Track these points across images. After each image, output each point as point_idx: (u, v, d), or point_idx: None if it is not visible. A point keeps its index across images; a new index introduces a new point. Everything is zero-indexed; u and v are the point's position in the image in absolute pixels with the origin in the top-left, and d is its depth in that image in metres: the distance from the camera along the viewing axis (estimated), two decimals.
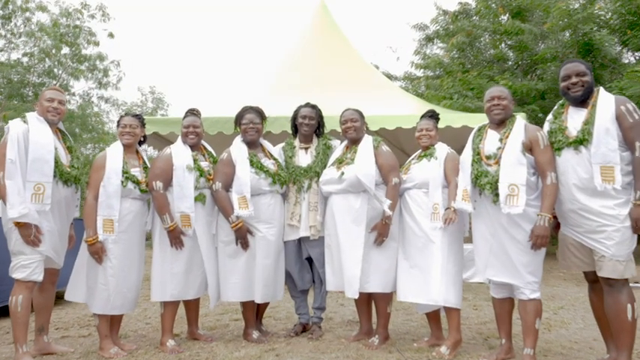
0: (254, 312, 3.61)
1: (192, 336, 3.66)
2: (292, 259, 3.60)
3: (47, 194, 2.98)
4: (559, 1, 10.39)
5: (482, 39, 12.52)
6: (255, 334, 3.54)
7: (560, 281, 7.13)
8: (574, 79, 2.81)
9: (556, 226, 2.94)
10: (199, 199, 3.40)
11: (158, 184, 3.30)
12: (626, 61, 11.69)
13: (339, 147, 3.66)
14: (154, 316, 4.56)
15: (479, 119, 6.09)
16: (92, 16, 13.88)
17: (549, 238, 2.79)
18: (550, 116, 2.99)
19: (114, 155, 3.30)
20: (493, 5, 12.28)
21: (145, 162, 3.50)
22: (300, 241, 3.61)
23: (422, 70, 14.26)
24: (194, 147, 3.54)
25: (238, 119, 3.66)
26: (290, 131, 5.36)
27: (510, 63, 12.69)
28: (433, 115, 3.58)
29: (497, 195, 2.86)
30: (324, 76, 7.74)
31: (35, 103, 3.28)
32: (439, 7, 13.15)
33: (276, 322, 4.27)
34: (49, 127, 3.14)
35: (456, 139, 6.60)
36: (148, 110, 20.17)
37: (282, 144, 3.82)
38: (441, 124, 5.69)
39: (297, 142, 3.77)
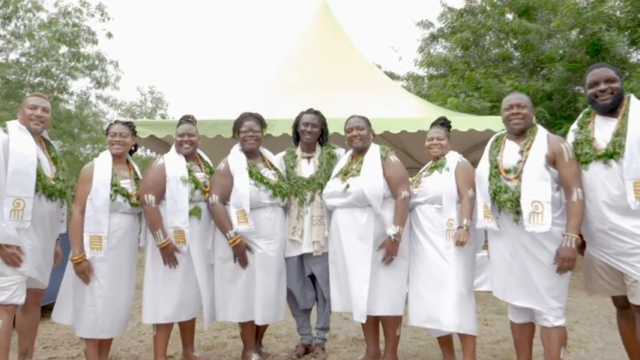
0: (253, 333, 3.37)
1: (187, 358, 3.42)
2: (294, 277, 3.36)
3: (27, 210, 2.75)
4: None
5: (487, 37, 12.24)
6: (255, 357, 3.31)
7: (570, 290, 6.88)
8: (602, 86, 2.56)
9: (581, 245, 2.69)
10: (194, 213, 3.16)
11: (150, 198, 3.07)
12: (634, 61, 11.42)
13: (343, 156, 3.43)
14: (149, 332, 4.32)
15: (486, 122, 5.86)
16: (91, 15, 13.63)
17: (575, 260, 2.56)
18: (575, 126, 2.74)
19: (102, 166, 3.07)
20: (499, 2, 11.99)
21: (136, 173, 3.27)
22: (302, 257, 3.37)
23: (425, 69, 13.96)
24: (189, 156, 3.31)
25: (237, 126, 3.42)
26: (291, 134, 5.17)
27: (516, 62, 12.41)
28: (444, 123, 3.34)
29: (518, 213, 2.63)
30: (326, 77, 7.53)
31: (18, 111, 3.05)
32: (445, 4, 12.88)
33: (276, 341, 4.04)
34: (32, 137, 2.91)
35: (463, 142, 6.37)
36: (148, 110, 19.89)
37: (283, 153, 3.59)
38: None
39: (298, 151, 3.53)
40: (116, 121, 3.27)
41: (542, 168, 2.58)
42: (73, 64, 13.75)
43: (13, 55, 13.51)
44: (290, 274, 3.36)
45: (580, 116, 2.76)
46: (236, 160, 3.26)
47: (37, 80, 13.88)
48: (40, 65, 13.69)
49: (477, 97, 10.61)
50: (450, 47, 13.41)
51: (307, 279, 3.42)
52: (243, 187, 3.13)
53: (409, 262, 3.12)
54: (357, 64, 8.31)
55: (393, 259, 3.04)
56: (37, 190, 2.81)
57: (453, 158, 3.11)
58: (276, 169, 3.42)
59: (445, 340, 3.12)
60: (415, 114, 7.11)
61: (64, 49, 13.54)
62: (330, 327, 3.64)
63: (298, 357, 3.42)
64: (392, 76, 14.64)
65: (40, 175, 2.83)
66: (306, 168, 3.44)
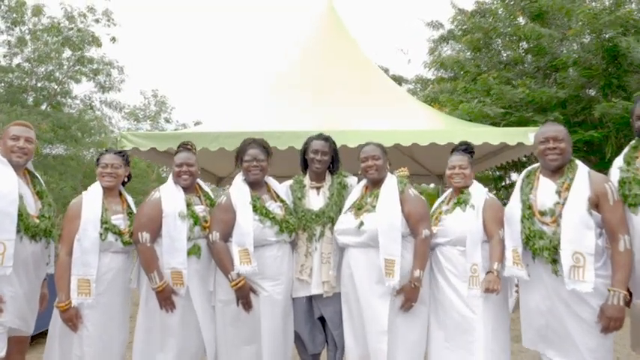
0: None
1: None
2: (302, 319, 3.07)
3: (8, 255, 2.47)
4: (583, 4, 9.75)
5: (498, 40, 11.87)
6: None
7: None
8: None
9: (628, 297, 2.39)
10: (193, 251, 2.87)
11: (144, 236, 2.78)
12: None
13: (356, 187, 3.13)
14: None
15: (501, 135, 5.57)
16: (97, 21, 13.36)
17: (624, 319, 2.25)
18: (620, 162, 2.44)
19: (91, 201, 2.79)
20: (511, 2, 11.61)
21: (129, 206, 2.99)
22: (310, 297, 3.08)
23: (435, 72, 13.60)
24: (188, 188, 3.02)
25: (239, 154, 3.13)
26: (297, 147, 4.87)
27: (527, 66, 12.04)
28: (467, 149, 3.04)
29: (555, 261, 2.33)
30: (334, 87, 7.27)
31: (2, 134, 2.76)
32: (455, 6, 12.52)
33: None
34: (14, 171, 2.63)
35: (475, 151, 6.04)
36: (151, 114, 19.65)
37: (290, 182, 3.29)
38: (459, 141, 5.18)
39: (307, 180, 3.22)
40: (107, 150, 2.99)
41: (584, 213, 2.28)
42: (77, 67, 13.53)
43: (17, 61, 13.33)
44: (298, 316, 3.07)
45: (625, 150, 2.46)
46: (238, 192, 2.97)
47: (39, 85, 13.67)
48: (43, 69, 13.48)
49: (489, 103, 10.29)
50: (458, 49, 13.06)
51: (316, 321, 3.13)
52: (247, 224, 2.85)
53: (430, 308, 2.82)
54: (367, 73, 8.01)
55: (413, 306, 2.75)
56: (18, 231, 2.54)
57: (479, 194, 2.81)
58: (282, 200, 3.14)
59: None
60: (427, 125, 6.81)
61: (67, 52, 13.32)
62: None
63: None
64: (400, 79, 14.32)
65: (22, 214, 2.56)
66: (315, 199, 3.14)
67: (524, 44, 11.76)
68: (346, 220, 2.93)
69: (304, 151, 3.25)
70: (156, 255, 2.80)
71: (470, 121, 8.69)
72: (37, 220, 2.67)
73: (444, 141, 5.35)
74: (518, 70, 11.77)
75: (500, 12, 11.67)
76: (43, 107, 13.41)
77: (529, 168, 2.68)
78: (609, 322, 2.22)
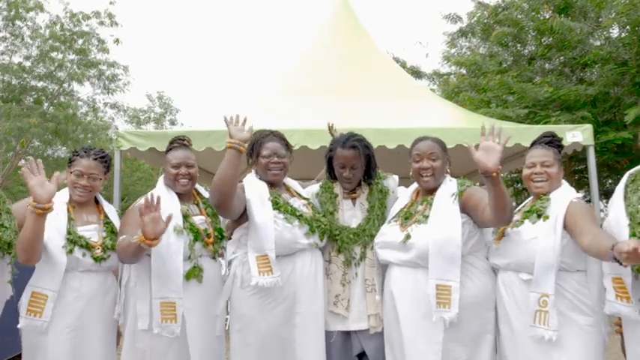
0: None
1: None
2: (336, 355, 2.39)
3: None
4: None
5: (527, 34, 11.20)
6: None
7: None
8: None
9: None
10: (193, 274, 2.24)
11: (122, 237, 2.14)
12: None
13: (404, 193, 2.48)
14: None
15: (535, 134, 4.88)
16: (101, 23, 12.84)
17: None
18: None
19: (54, 208, 2.17)
20: None
21: (106, 215, 2.36)
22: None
23: (453, 67, 12.96)
24: (184, 195, 2.38)
25: (254, 148, 2.44)
26: (311, 147, 4.26)
27: (551, 63, 11.34)
28: (553, 142, 2.25)
29: None
30: (348, 81, 6.81)
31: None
32: None
33: None
34: None
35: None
36: (156, 116, 19.02)
37: (315, 188, 2.61)
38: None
39: (338, 189, 2.53)
40: (86, 151, 2.32)
41: None
42: (80, 70, 13.02)
43: (16, 59, 12.85)
44: (332, 351, 2.39)
45: None
46: (253, 186, 2.32)
47: (40, 84, 13.17)
48: (44, 68, 12.97)
49: (511, 103, 9.64)
50: (476, 44, 12.43)
51: (354, 358, 2.43)
52: (267, 223, 2.21)
53: (498, 352, 2.18)
54: (382, 66, 7.55)
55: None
56: None
57: (562, 199, 2.06)
58: (306, 198, 2.50)
59: None
60: (450, 123, 6.17)
61: (71, 55, 12.82)
62: None
63: None
64: (418, 72, 13.73)
65: None
66: (351, 213, 2.47)
67: (545, 39, 11.11)
68: (390, 232, 2.28)
69: (330, 158, 2.53)
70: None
71: None
72: None
73: (473, 141, 4.77)
74: (540, 67, 11.08)
75: (524, 5, 10.98)
76: (45, 107, 12.90)
77: (632, 171, 2.02)
78: None
